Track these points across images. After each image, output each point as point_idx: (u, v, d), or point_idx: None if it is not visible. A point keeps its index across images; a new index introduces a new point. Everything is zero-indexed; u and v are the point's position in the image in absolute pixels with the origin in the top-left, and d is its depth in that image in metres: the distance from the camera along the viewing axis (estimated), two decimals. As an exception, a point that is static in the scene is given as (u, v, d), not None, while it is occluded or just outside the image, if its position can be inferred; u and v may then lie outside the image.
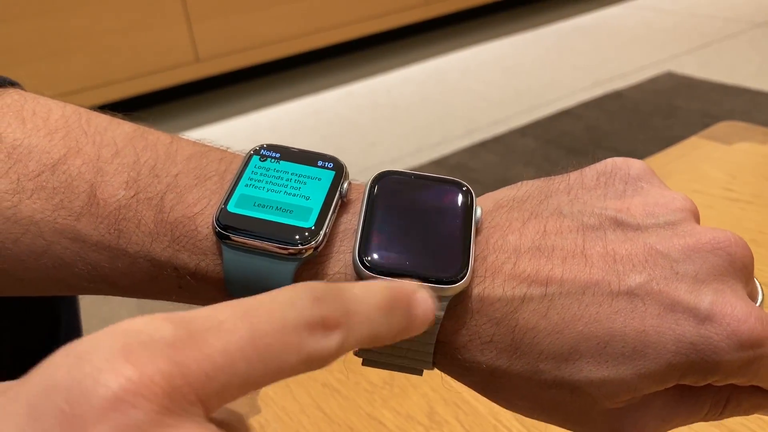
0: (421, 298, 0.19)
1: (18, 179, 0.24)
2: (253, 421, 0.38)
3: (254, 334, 0.16)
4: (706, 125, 0.64)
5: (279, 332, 0.16)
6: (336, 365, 0.41)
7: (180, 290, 0.25)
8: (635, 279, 0.23)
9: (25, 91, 0.28)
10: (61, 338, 0.42)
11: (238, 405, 0.39)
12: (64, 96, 0.28)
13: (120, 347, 0.14)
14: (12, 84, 0.28)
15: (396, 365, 0.25)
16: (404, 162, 1.70)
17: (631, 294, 0.22)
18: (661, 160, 0.59)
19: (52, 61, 1.87)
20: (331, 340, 0.16)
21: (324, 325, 0.16)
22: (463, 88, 2.17)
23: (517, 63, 2.34)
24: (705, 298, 0.22)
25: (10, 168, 0.25)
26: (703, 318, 0.22)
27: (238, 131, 2.00)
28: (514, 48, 2.49)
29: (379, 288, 0.18)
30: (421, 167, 1.66)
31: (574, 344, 0.22)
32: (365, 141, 1.86)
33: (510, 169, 1.62)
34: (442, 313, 0.23)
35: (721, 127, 0.62)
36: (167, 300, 0.26)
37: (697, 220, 0.25)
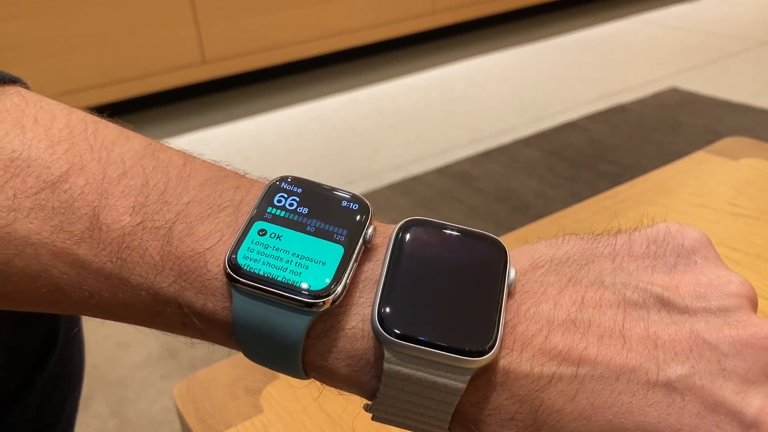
0: None
1: (14, 195, 0.22)
2: (255, 421, 0.38)
3: None
4: (709, 141, 0.64)
5: None
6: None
7: (184, 327, 0.23)
8: (676, 370, 0.21)
9: (29, 89, 0.26)
10: (60, 333, 0.42)
11: (241, 405, 0.39)
12: (69, 94, 0.26)
13: None
14: (14, 81, 0.26)
15: (408, 426, 0.23)
16: (408, 169, 1.70)
17: (669, 386, 0.20)
18: (666, 173, 0.59)
19: (59, 59, 1.87)
20: None
21: None
22: (468, 97, 2.18)
23: (522, 74, 2.35)
24: (753, 402, 0.20)
25: (6, 182, 0.22)
26: (748, 424, 0.20)
27: (242, 134, 2.01)
28: (520, 59, 2.49)
29: None
30: (424, 175, 1.66)
31: None
32: (369, 147, 1.86)
33: (513, 179, 1.63)
34: (464, 385, 0.21)
35: (727, 142, 0.62)
36: (169, 332, 0.24)
37: (755, 308, 0.23)
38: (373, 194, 1.56)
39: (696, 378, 0.21)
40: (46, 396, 0.41)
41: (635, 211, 0.53)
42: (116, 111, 0.27)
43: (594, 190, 1.45)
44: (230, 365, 0.42)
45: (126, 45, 1.97)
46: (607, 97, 2.09)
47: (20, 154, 0.23)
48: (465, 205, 1.53)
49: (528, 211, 1.49)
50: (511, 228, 0.48)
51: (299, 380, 0.41)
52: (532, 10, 2.89)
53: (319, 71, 2.44)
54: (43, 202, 0.22)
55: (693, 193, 0.55)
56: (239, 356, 0.43)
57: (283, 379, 0.40)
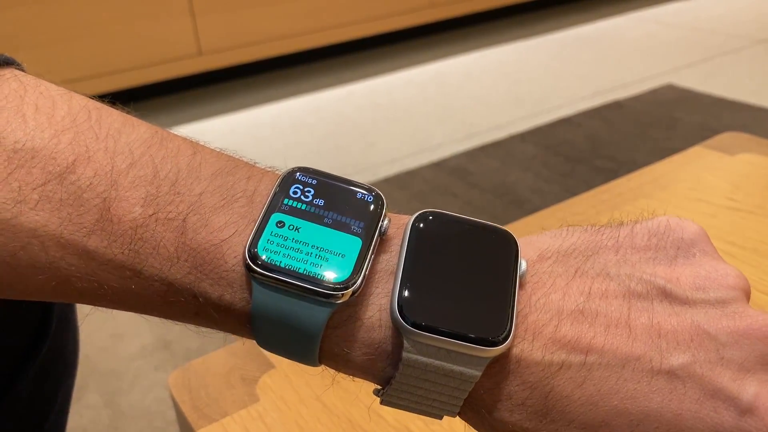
0: None
1: (20, 188, 0.22)
2: (251, 410, 0.38)
3: None
4: (705, 138, 0.64)
5: None
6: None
7: (197, 316, 0.24)
8: (678, 359, 0.22)
9: (24, 71, 0.25)
10: (53, 320, 0.41)
11: (237, 394, 0.39)
12: (64, 84, 0.25)
13: None
14: (8, 63, 0.25)
15: (417, 410, 0.24)
16: (403, 163, 1.70)
17: (672, 374, 0.22)
18: (663, 168, 0.59)
19: (55, 48, 1.86)
20: None
21: None
22: (464, 92, 2.17)
23: (519, 69, 2.34)
24: (749, 389, 0.22)
25: (10, 174, 0.22)
26: (744, 410, 0.21)
27: (238, 126, 2.00)
28: (517, 54, 2.49)
29: None
30: (420, 169, 1.66)
31: (606, 418, 0.22)
32: (365, 141, 1.86)
33: (509, 174, 1.63)
34: (480, 373, 0.22)
35: (725, 137, 0.62)
36: (179, 321, 0.24)
37: (748, 299, 0.24)
38: (368, 188, 1.56)
39: (696, 366, 0.22)
40: (38, 384, 0.41)
41: (632, 204, 0.53)
42: (112, 102, 0.26)
43: (589, 185, 1.45)
44: (226, 354, 0.42)
45: (122, 36, 1.96)
46: (603, 93, 2.09)
47: (24, 145, 0.22)
48: (460, 199, 1.53)
49: (523, 205, 1.49)
50: (506, 223, 0.48)
51: (294, 369, 0.40)
52: (529, 6, 2.89)
53: (316, 64, 2.43)
54: (50, 194, 0.22)
55: (690, 188, 0.55)
56: (235, 345, 0.43)
57: (279, 369, 0.40)
